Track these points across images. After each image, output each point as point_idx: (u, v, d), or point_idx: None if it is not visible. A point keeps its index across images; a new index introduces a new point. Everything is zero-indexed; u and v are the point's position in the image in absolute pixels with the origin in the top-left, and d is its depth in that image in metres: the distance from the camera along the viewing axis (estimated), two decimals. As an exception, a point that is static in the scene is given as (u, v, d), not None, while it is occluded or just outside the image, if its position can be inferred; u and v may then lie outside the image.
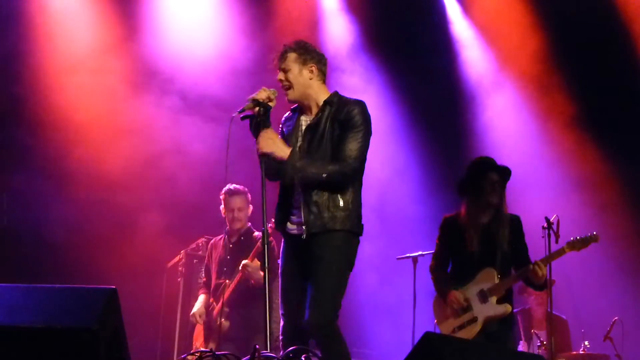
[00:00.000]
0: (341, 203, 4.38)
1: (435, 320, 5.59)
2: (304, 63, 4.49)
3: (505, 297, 5.41)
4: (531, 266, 5.31)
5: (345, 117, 4.41)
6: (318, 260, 4.31)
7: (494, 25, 9.09)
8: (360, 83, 8.82)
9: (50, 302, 3.37)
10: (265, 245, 4.15)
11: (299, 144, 4.49)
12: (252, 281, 6.28)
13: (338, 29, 9.19)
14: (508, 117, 9.12)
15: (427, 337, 3.44)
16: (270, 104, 4.37)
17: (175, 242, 7.70)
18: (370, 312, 8.60)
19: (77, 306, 3.33)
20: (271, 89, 4.40)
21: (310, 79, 4.50)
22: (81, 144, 7.91)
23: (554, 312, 6.04)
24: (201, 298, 6.75)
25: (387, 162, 8.78)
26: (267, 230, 4.18)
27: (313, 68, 4.49)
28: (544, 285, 5.48)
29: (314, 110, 4.51)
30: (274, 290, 5.44)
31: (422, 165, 9.01)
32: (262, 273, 5.94)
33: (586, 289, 8.24)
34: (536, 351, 6.93)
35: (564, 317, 7.64)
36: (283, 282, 4.51)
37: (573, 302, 8.22)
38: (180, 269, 7.42)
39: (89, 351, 3.20)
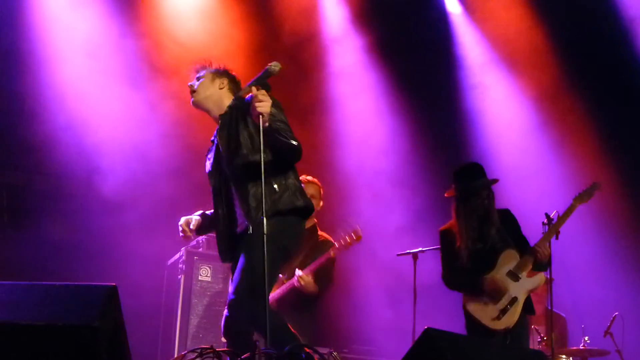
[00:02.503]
0: (276, 186, 4.42)
1: (472, 315, 5.48)
2: (217, 74, 4.78)
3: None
4: (534, 247, 5.43)
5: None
6: (250, 243, 4.33)
7: (496, 24, 9.11)
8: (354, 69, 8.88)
9: (51, 299, 3.38)
10: (264, 235, 4.05)
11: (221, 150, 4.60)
12: (304, 290, 6.18)
13: (334, 15, 9.25)
14: (509, 114, 9.14)
15: (428, 333, 3.45)
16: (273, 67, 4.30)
17: (175, 240, 7.69)
18: (371, 309, 8.61)
19: (77, 303, 3.34)
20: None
21: (216, 86, 4.75)
22: (81, 140, 7.91)
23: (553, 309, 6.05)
24: None
25: (387, 158, 8.79)
26: (264, 220, 4.10)
27: (224, 80, 4.76)
28: (548, 264, 5.51)
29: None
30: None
31: (422, 160, 9.01)
32: (313, 287, 6.04)
33: (586, 285, 8.25)
34: (536, 347, 6.93)
35: (563, 314, 7.65)
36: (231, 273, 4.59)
37: (573, 298, 8.22)
38: (180, 266, 7.42)
39: (90, 348, 3.21)
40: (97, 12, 8.14)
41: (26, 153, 7.84)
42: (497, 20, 9.06)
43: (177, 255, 7.59)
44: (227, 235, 4.62)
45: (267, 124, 4.17)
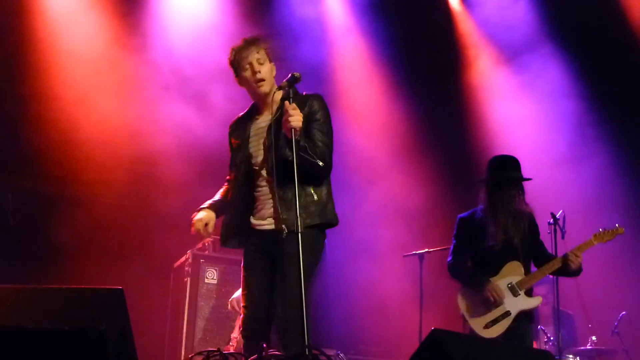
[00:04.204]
0: (315, 197, 4.37)
1: (464, 316, 5.50)
2: (272, 56, 4.53)
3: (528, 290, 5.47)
4: (569, 254, 5.35)
5: (308, 111, 4.39)
6: (290, 257, 4.20)
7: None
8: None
9: (58, 303, 3.38)
10: (299, 234, 4.03)
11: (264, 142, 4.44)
12: None
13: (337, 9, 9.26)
14: (513, 115, 9.13)
15: (434, 334, 3.44)
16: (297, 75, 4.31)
17: (181, 243, 7.70)
18: (377, 310, 8.60)
19: (84, 307, 3.34)
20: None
21: (273, 71, 4.52)
22: (87, 144, 7.92)
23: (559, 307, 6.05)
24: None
25: (393, 159, 8.78)
26: (300, 219, 4.07)
27: (274, 66, 4.54)
28: (579, 271, 5.47)
29: (274, 107, 4.45)
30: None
31: (429, 162, 9.00)
32: None
33: (593, 284, 8.23)
34: (544, 347, 6.92)
35: (570, 312, 7.64)
36: (248, 276, 4.44)
37: (580, 297, 8.20)
38: (187, 269, 7.43)
39: (97, 352, 3.21)
40: (102, 16, 8.14)
41: (32, 157, 7.85)
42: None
43: (183, 258, 7.60)
44: (237, 224, 4.51)
45: (298, 138, 4.18)
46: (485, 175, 5.61)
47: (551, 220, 6.05)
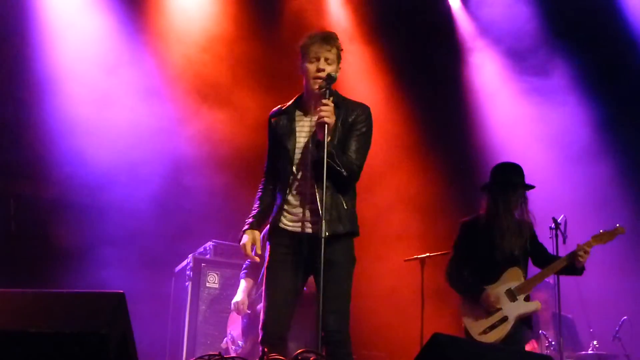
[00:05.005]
0: (345, 205, 4.34)
1: (464, 323, 5.53)
2: (339, 61, 4.46)
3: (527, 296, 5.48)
4: (578, 250, 5.34)
5: (353, 120, 4.37)
6: (332, 265, 4.16)
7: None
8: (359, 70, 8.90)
9: (59, 307, 3.38)
10: (322, 239, 4.03)
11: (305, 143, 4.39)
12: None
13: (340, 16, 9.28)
14: (515, 117, 9.13)
15: (436, 338, 3.44)
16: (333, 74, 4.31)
17: (183, 247, 7.71)
18: (379, 314, 8.59)
19: (85, 311, 3.34)
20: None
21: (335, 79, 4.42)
22: (88, 149, 7.92)
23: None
24: (243, 284, 6.47)
25: (396, 163, 8.79)
26: (324, 223, 4.07)
27: (340, 69, 4.46)
28: (583, 269, 5.48)
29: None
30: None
31: (431, 167, 9.00)
32: None
33: (594, 289, 8.22)
34: (545, 351, 6.92)
35: (569, 316, 7.63)
36: (273, 283, 4.33)
37: (581, 302, 8.19)
38: (188, 273, 7.43)
39: (98, 356, 3.21)
40: (109, 16, 8.15)
41: (33, 162, 7.85)
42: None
43: (184, 262, 7.60)
44: (273, 222, 4.44)
45: (329, 137, 4.16)
46: (488, 181, 5.63)
47: (553, 225, 6.05)
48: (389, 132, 8.75)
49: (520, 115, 9.13)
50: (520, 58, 9.07)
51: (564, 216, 5.87)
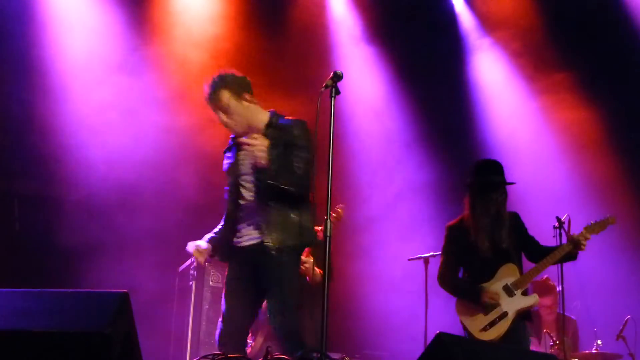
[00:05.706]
0: (294, 219, 4.52)
1: (462, 322, 5.52)
2: (238, 96, 4.57)
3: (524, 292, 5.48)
4: (579, 237, 5.39)
5: (292, 137, 4.52)
6: (277, 274, 4.48)
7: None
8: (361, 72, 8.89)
9: (63, 306, 3.39)
10: (328, 238, 4.10)
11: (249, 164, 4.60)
12: (307, 278, 6.19)
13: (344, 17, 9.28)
14: (518, 118, 9.12)
15: (440, 337, 3.44)
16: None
17: (186, 246, 7.69)
18: (382, 314, 8.60)
19: (89, 310, 3.35)
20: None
21: (248, 107, 4.59)
22: (91, 148, 7.93)
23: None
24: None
25: (397, 163, 8.78)
26: (330, 222, 4.13)
27: (246, 96, 4.59)
28: (577, 253, 5.49)
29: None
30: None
31: (432, 166, 9.00)
32: (318, 270, 5.92)
33: (598, 288, 8.22)
34: (548, 350, 6.91)
35: (572, 317, 7.63)
36: (230, 287, 4.68)
37: (585, 301, 8.19)
38: (191, 272, 7.42)
39: (102, 355, 3.21)
40: (112, 17, 8.16)
41: (36, 162, 7.86)
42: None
43: (188, 262, 7.60)
44: (225, 240, 4.77)
45: (264, 163, 4.37)
46: (469, 180, 5.62)
47: (556, 224, 6.04)
48: (397, 128, 8.78)
49: (524, 112, 9.12)
50: (524, 55, 9.08)
51: (568, 215, 5.85)
